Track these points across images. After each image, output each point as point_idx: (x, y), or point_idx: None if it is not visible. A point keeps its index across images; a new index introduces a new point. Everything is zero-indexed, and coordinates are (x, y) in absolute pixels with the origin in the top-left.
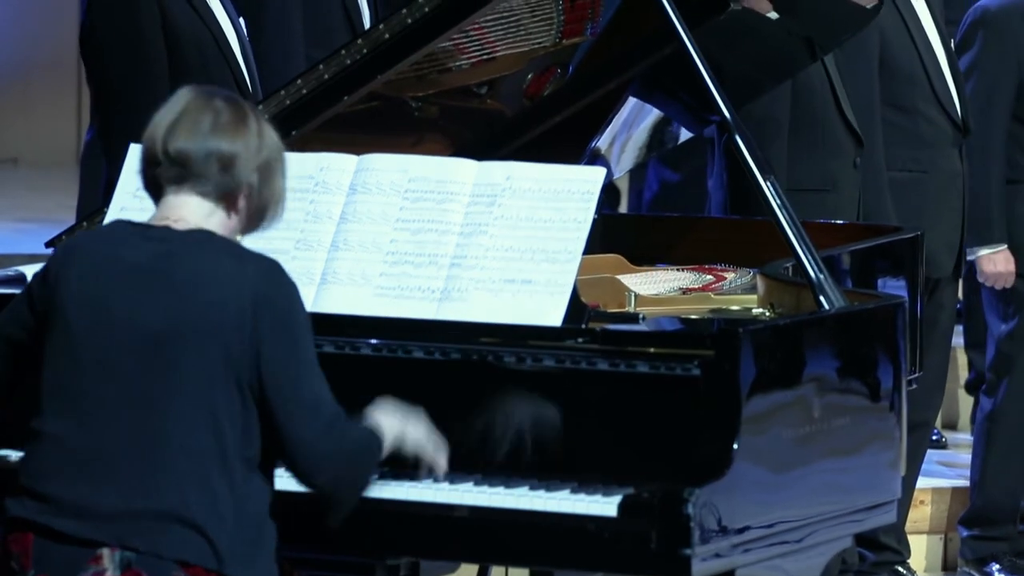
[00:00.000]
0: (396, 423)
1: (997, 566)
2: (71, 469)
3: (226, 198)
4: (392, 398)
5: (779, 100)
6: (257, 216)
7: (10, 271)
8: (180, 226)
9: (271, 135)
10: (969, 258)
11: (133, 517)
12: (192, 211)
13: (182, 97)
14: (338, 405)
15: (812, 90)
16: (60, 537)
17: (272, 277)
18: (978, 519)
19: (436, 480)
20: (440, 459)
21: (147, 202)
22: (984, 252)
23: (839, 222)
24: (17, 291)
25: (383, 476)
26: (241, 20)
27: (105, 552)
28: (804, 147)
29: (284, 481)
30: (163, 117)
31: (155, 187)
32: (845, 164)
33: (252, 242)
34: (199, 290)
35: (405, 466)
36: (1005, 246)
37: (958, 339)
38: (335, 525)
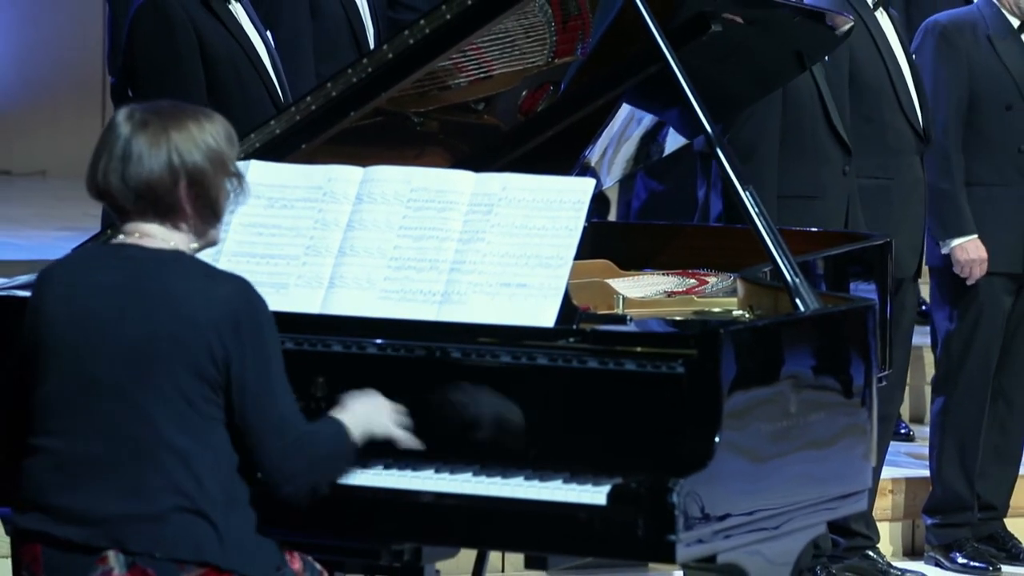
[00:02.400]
0: (359, 417)
1: (961, 552)
2: (68, 479)
3: (170, 217)
4: (357, 392)
5: (771, 113)
6: (211, 213)
7: (34, 276)
8: (148, 243)
9: (190, 141)
10: (943, 251)
11: (128, 520)
12: (155, 230)
13: (110, 126)
14: (304, 419)
15: (801, 103)
16: (65, 545)
17: (244, 295)
18: (939, 507)
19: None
20: (410, 441)
21: None
22: (957, 242)
23: (814, 230)
24: None
25: (387, 467)
26: (268, 34)
27: (111, 553)
28: (794, 156)
29: None
30: (97, 152)
31: (115, 213)
32: (834, 172)
33: (267, 248)
34: (170, 307)
35: (406, 456)
36: (975, 235)
37: (923, 338)
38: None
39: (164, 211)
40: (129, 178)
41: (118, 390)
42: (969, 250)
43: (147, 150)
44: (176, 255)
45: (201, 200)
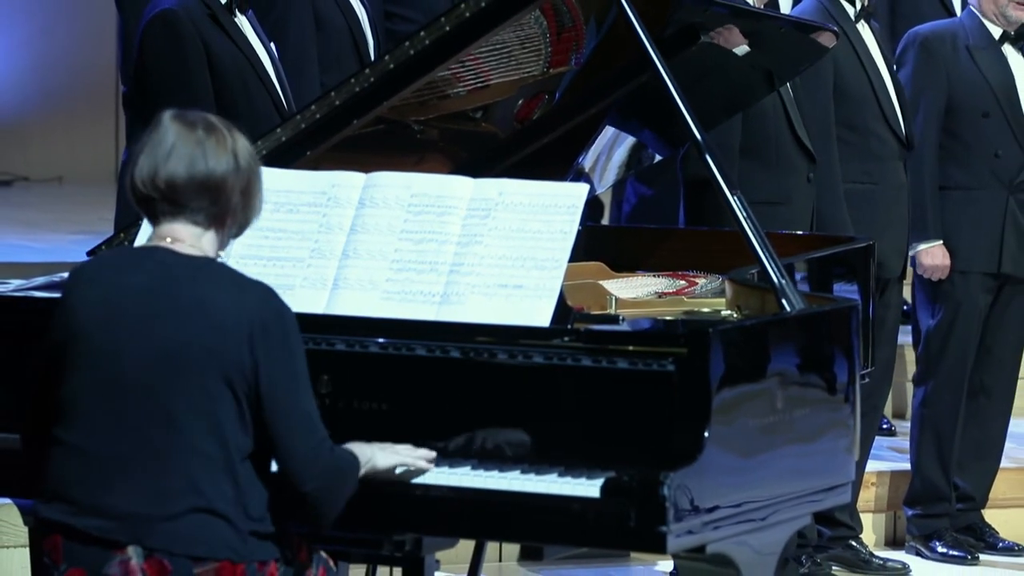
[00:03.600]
0: (367, 452)
1: (940, 542)
2: (92, 475)
3: (216, 221)
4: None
5: (731, 124)
6: (240, 228)
7: (55, 277)
8: (179, 247)
9: (249, 154)
10: (911, 254)
11: (148, 519)
12: (188, 234)
13: (165, 128)
14: (325, 429)
15: (765, 113)
16: (85, 537)
17: (269, 304)
18: (918, 499)
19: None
20: (416, 462)
21: None
22: (922, 247)
23: (799, 232)
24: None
25: None
26: (272, 45)
27: (130, 547)
28: (759, 164)
29: None
30: (151, 151)
31: (151, 216)
32: (799, 180)
33: (274, 252)
34: (202, 314)
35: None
36: (940, 242)
37: (906, 337)
38: (322, 531)
39: (217, 212)
40: (197, 172)
41: (146, 392)
42: (934, 255)
43: (215, 149)
44: (207, 262)
45: (246, 208)
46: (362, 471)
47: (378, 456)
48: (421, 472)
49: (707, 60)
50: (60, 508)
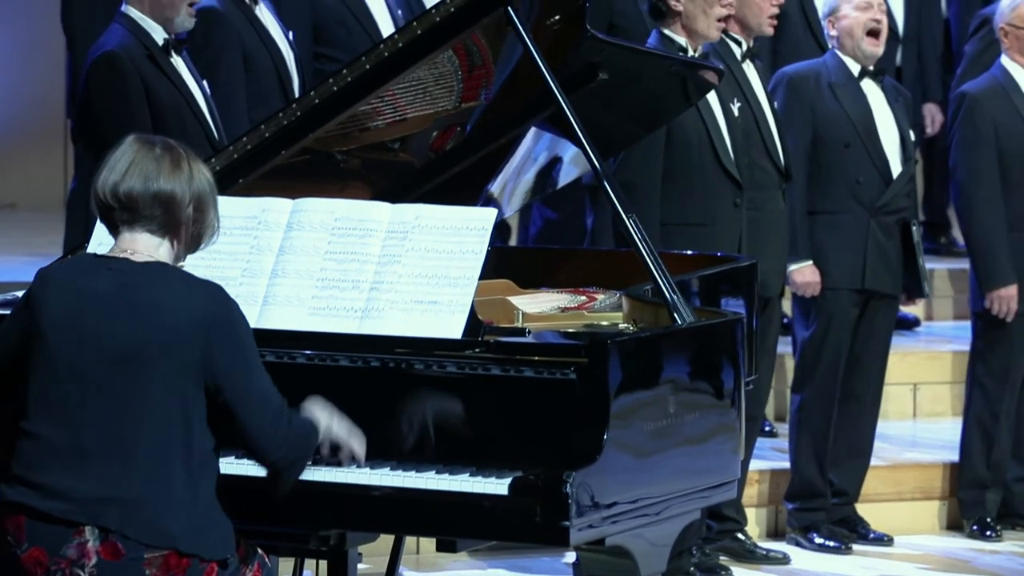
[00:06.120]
0: (324, 417)
1: (817, 533)
2: (55, 461)
3: (170, 232)
4: (320, 397)
5: (653, 152)
6: (195, 242)
7: (8, 296)
8: (136, 258)
9: (202, 175)
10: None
11: (106, 502)
12: (144, 245)
13: (127, 147)
14: (282, 397)
15: (688, 142)
16: (47, 518)
17: (218, 299)
18: (798, 494)
19: (358, 466)
20: (359, 449)
21: None
22: (794, 267)
23: (689, 252)
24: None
25: (315, 463)
26: (205, 83)
27: (87, 528)
28: (683, 189)
29: (235, 467)
30: (112, 166)
31: (111, 226)
32: (724, 204)
33: (208, 271)
34: (157, 314)
35: (332, 454)
36: (810, 261)
37: (786, 347)
38: (282, 496)
39: (168, 224)
40: (150, 185)
41: (107, 388)
42: (805, 274)
43: (171, 169)
44: (160, 266)
45: (197, 226)
46: (320, 436)
47: (334, 424)
48: (356, 455)
49: (615, 86)
50: (24, 491)
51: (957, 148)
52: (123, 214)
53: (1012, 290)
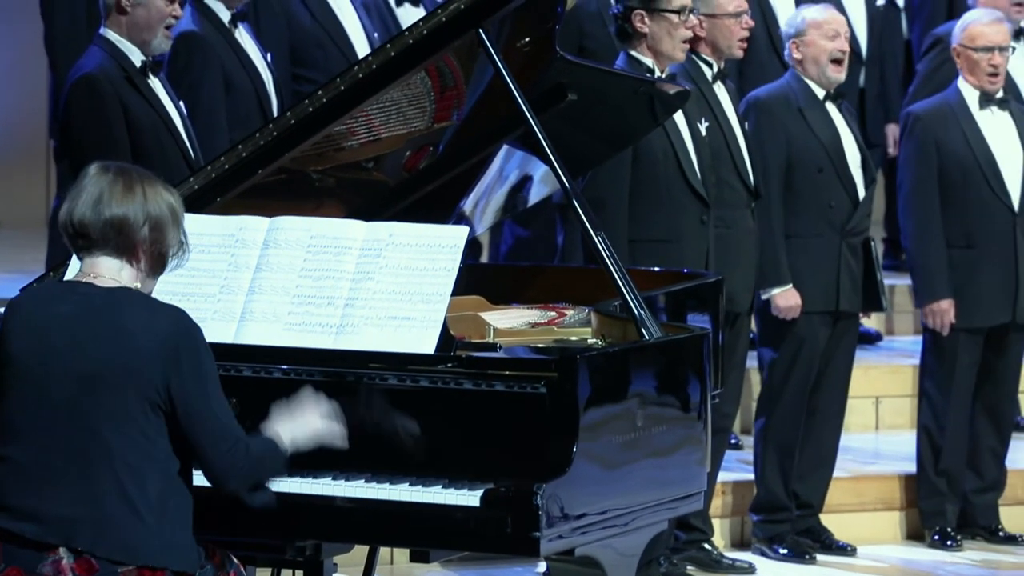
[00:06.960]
0: (286, 432)
1: (782, 544)
2: (26, 484)
3: (126, 254)
4: (284, 402)
5: (620, 170)
6: (159, 262)
7: None
8: (100, 282)
9: (160, 196)
10: (764, 297)
11: (76, 522)
12: (106, 268)
13: (85, 175)
14: (239, 425)
15: (655, 160)
16: (20, 540)
17: (179, 325)
18: (762, 507)
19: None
20: (337, 440)
21: None
22: (776, 291)
23: (656, 269)
24: None
25: (291, 474)
26: (181, 104)
27: (61, 548)
28: (649, 206)
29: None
30: (73, 195)
31: (76, 251)
32: (690, 221)
33: (187, 288)
34: (121, 337)
35: (309, 465)
36: (791, 285)
37: (752, 362)
38: (251, 508)
39: (123, 248)
40: (102, 213)
41: (73, 409)
42: (788, 298)
43: (122, 194)
44: (124, 291)
45: (156, 247)
46: (290, 451)
47: (298, 438)
48: (337, 448)
49: (584, 106)
50: None
51: (902, 166)
52: (79, 240)
53: (945, 304)
